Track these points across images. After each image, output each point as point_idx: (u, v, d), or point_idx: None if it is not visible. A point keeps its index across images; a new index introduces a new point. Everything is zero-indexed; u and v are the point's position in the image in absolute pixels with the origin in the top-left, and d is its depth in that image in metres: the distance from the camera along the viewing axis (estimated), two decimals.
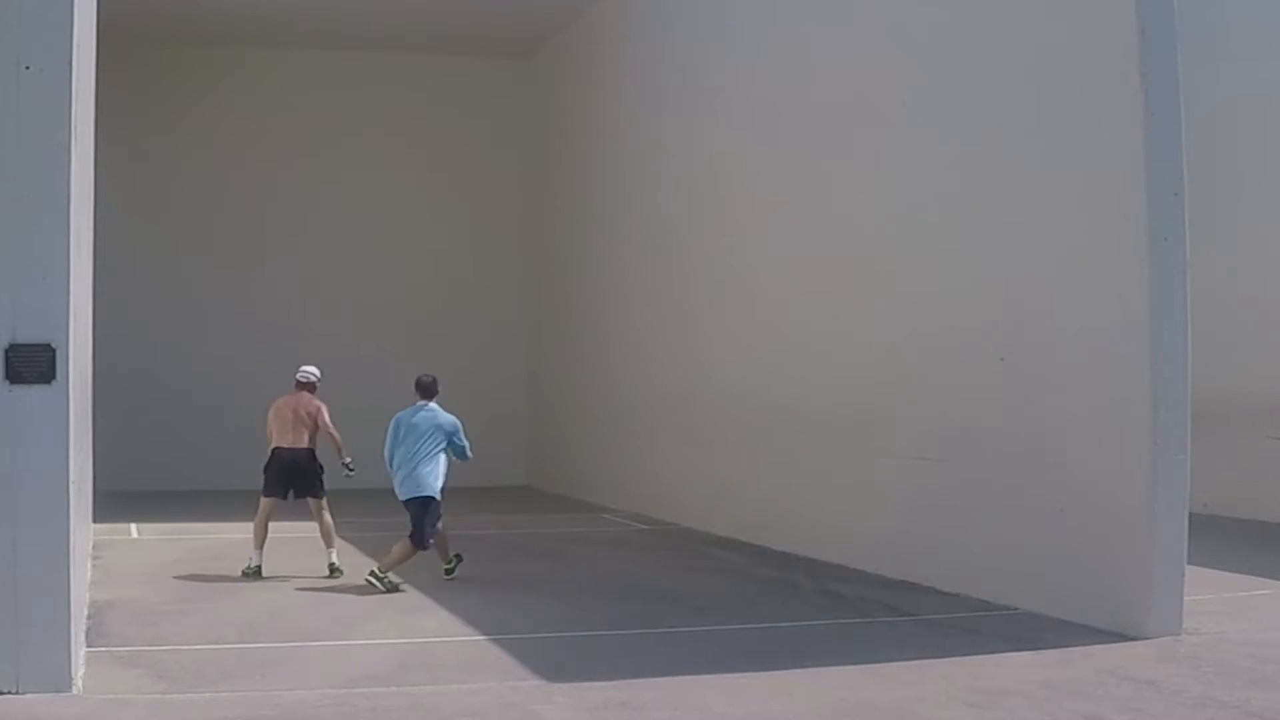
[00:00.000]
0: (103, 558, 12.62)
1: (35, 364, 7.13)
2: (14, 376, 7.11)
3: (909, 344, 11.77)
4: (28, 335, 7.14)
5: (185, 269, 21.37)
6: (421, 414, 11.36)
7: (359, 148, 21.97)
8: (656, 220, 17.32)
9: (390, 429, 11.44)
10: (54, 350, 7.18)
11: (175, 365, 21.03)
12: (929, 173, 11.59)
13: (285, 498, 12.06)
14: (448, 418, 11.36)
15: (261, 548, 11.85)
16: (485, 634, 9.13)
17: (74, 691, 7.19)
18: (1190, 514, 9.19)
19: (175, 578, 11.63)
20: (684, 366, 16.44)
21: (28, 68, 7.16)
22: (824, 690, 7.62)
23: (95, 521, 13.43)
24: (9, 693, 6.99)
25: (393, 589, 11.00)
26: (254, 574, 11.73)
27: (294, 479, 11.99)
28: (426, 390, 11.52)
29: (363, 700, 7.23)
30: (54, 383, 7.18)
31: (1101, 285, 9.54)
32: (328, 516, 11.98)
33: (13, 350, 7.11)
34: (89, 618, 9.17)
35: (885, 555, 11.82)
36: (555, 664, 8.19)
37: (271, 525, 11.94)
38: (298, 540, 12.85)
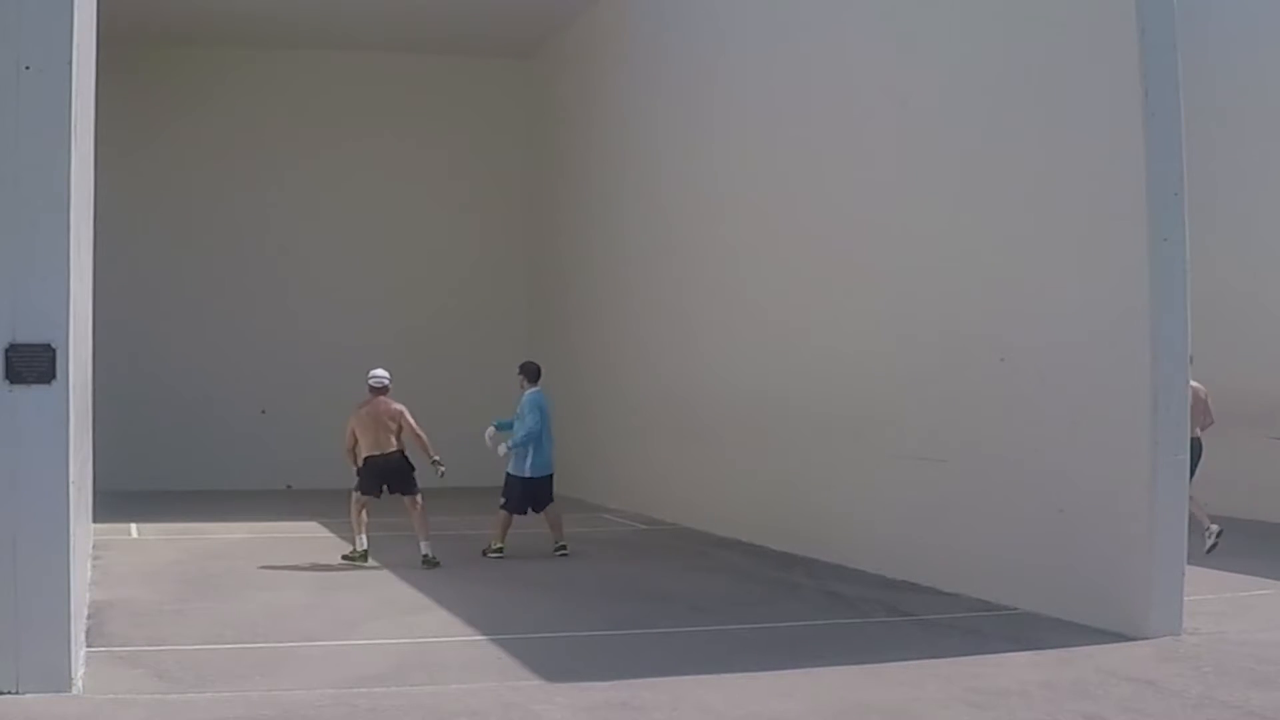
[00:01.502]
0: (103, 558, 12.61)
1: (35, 364, 7.13)
2: (14, 376, 7.10)
3: (909, 344, 11.76)
4: (28, 335, 7.13)
5: (185, 269, 21.36)
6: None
7: (359, 148, 21.94)
8: (656, 220, 17.31)
9: (543, 410, 12.98)
10: (54, 350, 7.17)
11: (175, 365, 21.02)
12: (929, 173, 11.58)
13: (379, 495, 12.45)
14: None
15: (363, 532, 12.27)
16: (485, 634, 9.12)
17: (74, 691, 7.19)
18: (1190, 514, 9.19)
19: (175, 578, 11.62)
20: (684, 366, 16.43)
21: (28, 68, 7.14)
22: (824, 690, 7.62)
23: (95, 521, 13.41)
24: (9, 693, 6.99)
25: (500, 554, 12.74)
26: (360, 557, 12.18)
27: (389, 479, 12.39)
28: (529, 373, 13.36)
29: (363, 700, 7.22)
30: (54, 383, 7.17)
31: (1101, 286, 9.54)
32: (421, 512, 12.33)
33: (13, 350, 7.10)
34: (89, 618, 9.16)
35: (885, 555, 11.82)
36: (555, 664, 8.18)
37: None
38: (298, 540, 12.85)
